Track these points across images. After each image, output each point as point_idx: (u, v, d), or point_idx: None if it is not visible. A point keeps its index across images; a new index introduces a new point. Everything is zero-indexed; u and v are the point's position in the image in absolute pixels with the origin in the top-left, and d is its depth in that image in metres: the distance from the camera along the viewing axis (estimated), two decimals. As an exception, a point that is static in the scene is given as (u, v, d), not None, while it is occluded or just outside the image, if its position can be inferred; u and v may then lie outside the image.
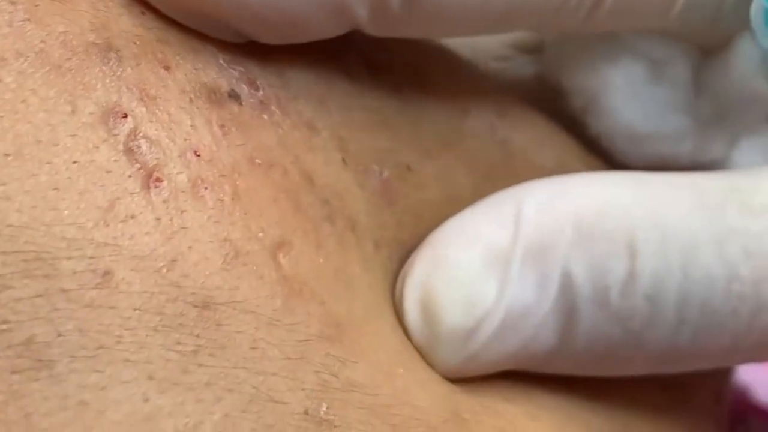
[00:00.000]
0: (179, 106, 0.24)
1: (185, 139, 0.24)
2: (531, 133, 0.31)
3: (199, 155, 0.24)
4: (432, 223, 0.27)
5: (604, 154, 0.31)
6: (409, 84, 0.29)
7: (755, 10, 0.27)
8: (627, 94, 0.30)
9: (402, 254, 0.27)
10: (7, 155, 0.22)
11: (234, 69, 0.25)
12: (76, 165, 0.22)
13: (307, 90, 0.27)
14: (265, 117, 0.25)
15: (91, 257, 0.21)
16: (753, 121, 0.29)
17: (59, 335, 0.21)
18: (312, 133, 0.26)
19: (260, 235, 0.24)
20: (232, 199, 0.24)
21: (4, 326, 0.20)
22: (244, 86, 0.25)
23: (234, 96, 0.25)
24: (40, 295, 0.21)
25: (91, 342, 0.21)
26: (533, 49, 0.33)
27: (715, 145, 0.30)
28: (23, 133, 0.22)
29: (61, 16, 0.23)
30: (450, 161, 0.29)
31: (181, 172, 0.23)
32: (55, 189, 0.22)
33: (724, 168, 0.30)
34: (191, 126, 0.24)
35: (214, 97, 0.25)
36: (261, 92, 0.26)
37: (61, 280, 0.21)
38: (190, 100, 0.24)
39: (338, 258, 0.25)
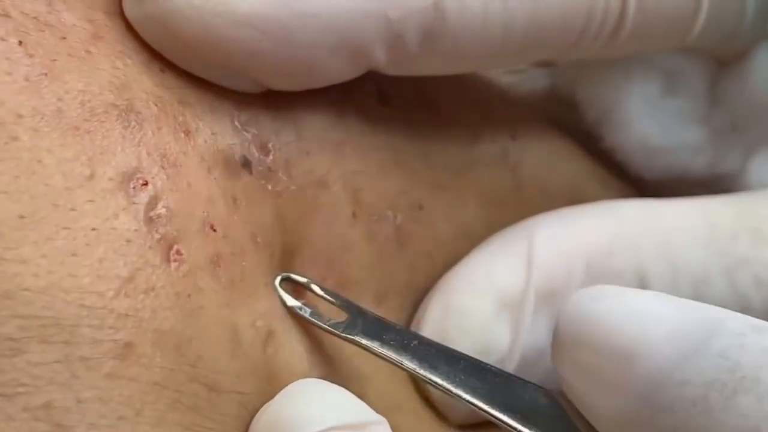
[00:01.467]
0: (198, 176, 0.23)
1: (203, 212, 0.23)
2: (543, 153, 0.30)
3: (215, 230, 0.23)
4: (445, 262, 0.27)
5: (618, 167, 0.31)
6: (421, 112, 0.28)
7: None
8: (642, 107, 0.29)
9: (415, 298, 0.27)
10: (22, 217, 0.20)
11: (248, 131, 0.25)
12: (95, 232, 0.21)
13: (323, 138, 0.26)
14: (269, 187, 0.25)
15: (111, 327, 0.20)
16: None
17: (79, 402, 0.20)
18: (320, 192, 0.25)
19: (258, 324, 0.23)
20: (241, 280, 0.23)
21: (21, 389, 0.20)
22: (255, 151, 0.25)
23: (246, 164, 0.24)
24: (58, 361, 0.20)
25: (111, 412, 0.20)
26: (547, 63, 0.33)
27: (730, 157, 0.30)
28: (39, 195, 0.21)
29: (79, 72, 0.22)
30: (461, 191, 0.28)
31: (200, 248, 0.22)
32: (74, 255, 0.20)
33: (741, 179, 0.29)
34: (208, 198, 0.23)
35: (229, 166, 0.24)
36: (271, 157, 0.25)
37: (80, 348, 0.20)
38: (208, 169, 0.23)
39: None
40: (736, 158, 0.30)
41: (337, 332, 0.24)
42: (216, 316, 0.22)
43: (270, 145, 0.25)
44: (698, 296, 0.25)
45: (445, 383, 0.23)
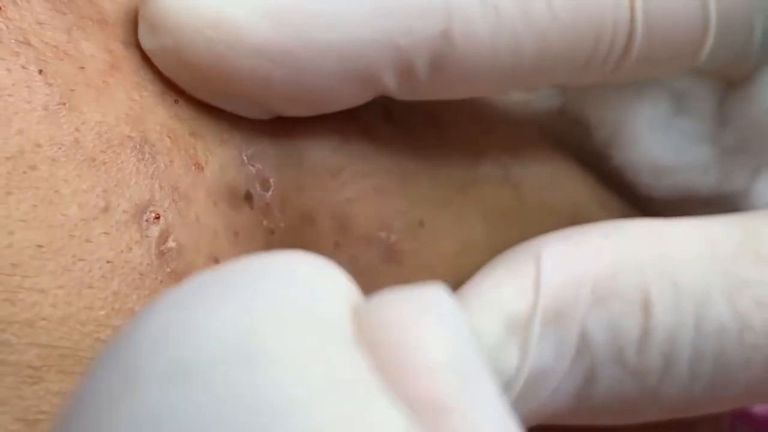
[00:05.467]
0: (207, 210, 0.23)
1: (210, 246, 0.23)
2: (545, 173, 0.31)
3: (218, 263, 0.23)
4: (447, 275, 0.27)
5: (627, 186, 0.31)
6: (426, 133, 0.29)
7: None
8: (651, 126, 0.30)
9: None
10: (40, 246, 0.21)
11: (253, 166, 0.25)
12: (110, 265, 0.21)
13: (323, 166, 0.26)
14: (264, 223, 0.25)
15: None
16: None
17: None
18: (306, 228, 0.26)
19: None
20: None
21: (42, 416, 0.20)
22: (257, 186, 0.25)
23: (248, 198, 0.25)
24: None
25: None
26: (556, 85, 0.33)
27: (737, 176, 0.30)
28: (56, 225, 0.21)
29: (96, 103, 0.22)
30: (463, 208, 0.29)
31: None
32: (90, 287, 0.21)
33: (747, 198, 0.30)
34: (214, 232, 0.23)
35: (234, 200, 0.24)
36: (270, 193, 0.25)
37: None
38: (215, 202, 0.24)
39: None
40: (742, 177, 0.30)
41: None
42: None
43: (271, 180, 0.25)
44: (699, 316, 0.25)
45: None
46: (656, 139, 0.30)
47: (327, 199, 0.26)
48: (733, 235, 0.26)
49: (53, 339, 0.20)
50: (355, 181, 0.27)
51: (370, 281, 0.25)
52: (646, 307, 0.25)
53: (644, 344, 0.25)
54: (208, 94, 0.24)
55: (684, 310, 0.25)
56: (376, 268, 0.27)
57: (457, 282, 0.27)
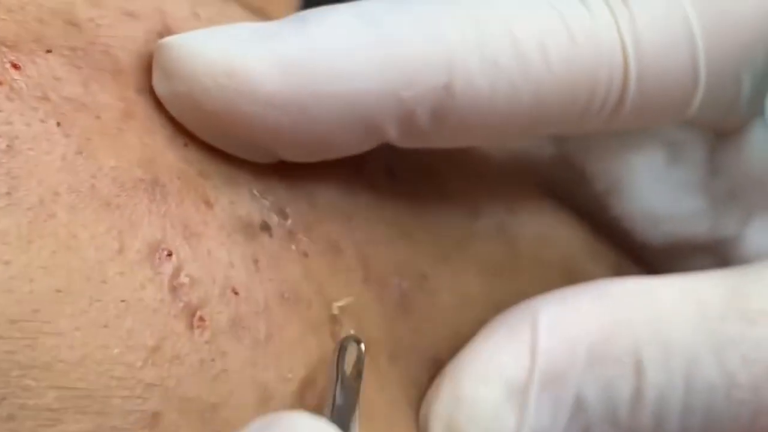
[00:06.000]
0: (219, 243, 0.25)
1: (225, 277, 0.24)
2: (539, 226, 0.32)
3: (237, 293, 0.25)
4: (446, 328, 0.29)
5: (623, 234, 0.32)
6: (425, 188, 0.30)
7: None
8: (648, 177, 0.31)
9: (420, 361, 0.28)
10: (59, 291, 0.22)
11: (266, 199, 0.26)
12: (124, 304, 0.23)
13: (334, 209, 0.28)
14: (293, 247, 0.26)
15: (139, 397, 0.22)
16: (765, 200, 0.31)
17: None
18: (336, 256, 0.27)
19: (289, 375, 0.25)
20: (266, 338, 0.25)
21: None
22: (274, 216, 0.26)
23: (265, 228, 0.26)
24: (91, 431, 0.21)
25: None
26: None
27: (729, 223, 0.31)
28: (74, 269, 0.22)
29: (111, 149, 0.24)
30: (462, 264, 0.30)
31: (221, 312, 0.24)
32: (105, 327, 0.22)
33: (739, 244, 0.31)
34: (229, 263, 0.25)
35: (249, 230, 0.26)
36: (290, 221, 0.27)
37: (112, 418, 0.22)
38: (228, 235, 0.25)
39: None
40: (734, 224, 0.31)
41: None
42: (241, 378, 0.24)
43: (287, 210, 0.27)
44: (689, 375, 0.26)
45: None
46: (653, 188, 0.31)
47: (346, 236, 0.27)
48: (720, 294, 0.27)
49: (70, 381, 0.21)
50: (366, 227, 0.28)
51: (391, 324, 0.27)
52: (638, 368, 0.26)
53: (637, 404, 0.26)
54: (217, 139, 0.26)
55: (674, 369, 0.26)
56: (394, 315, 0.28)
57: (457, 336, 0.28)
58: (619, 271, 0.32)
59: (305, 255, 0.26)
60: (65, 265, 0.22)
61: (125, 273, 0.23)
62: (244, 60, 0.25)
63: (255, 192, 0.26)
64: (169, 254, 0.24)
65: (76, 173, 0.23)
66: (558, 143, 0.32)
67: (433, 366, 0.28)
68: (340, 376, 0.25)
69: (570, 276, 0.31)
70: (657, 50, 0.27)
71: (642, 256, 0.33)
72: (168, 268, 0.24)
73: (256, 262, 0.25)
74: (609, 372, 0.26)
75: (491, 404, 0.26)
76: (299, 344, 0.25)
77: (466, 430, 0.26)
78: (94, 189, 0.23)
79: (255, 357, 0.24)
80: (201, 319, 0.24)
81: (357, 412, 0.25)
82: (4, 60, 0.23)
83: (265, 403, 0.24)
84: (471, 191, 0.30)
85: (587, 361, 0.26)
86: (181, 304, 0.23)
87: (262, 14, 0.29)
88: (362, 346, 0.25)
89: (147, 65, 0.26)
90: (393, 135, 0.26)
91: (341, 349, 0.25)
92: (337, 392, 0.25)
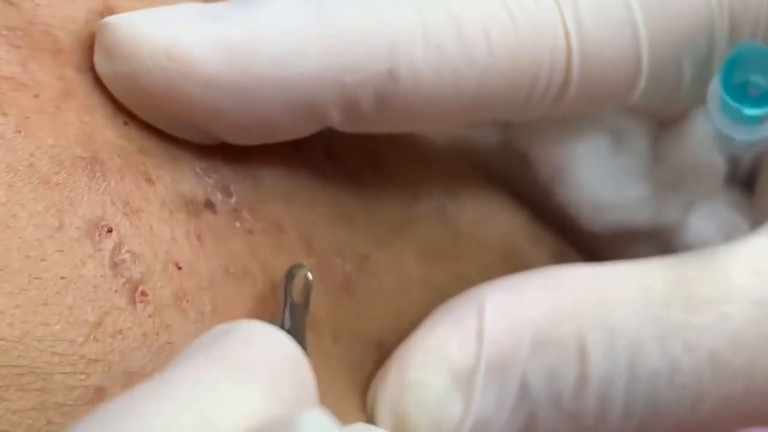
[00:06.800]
0: (160, 219, 0.25)
1: (167, 252, 0.25)
2: (478, 209, 0.32)
3: (180, 268, 0.25)
4: (388, 311, 0.29)
5: (567, 221, 0.32)
6: (365, 170, 0.30)
7: (711, 94, 0.28)
8: (592, 165, 0.31)
9: (363, 344, 0.28)
10: None
11: (209, 177, 0.26)
12: (64, 281, 0.23)
13: (277, 189, 0.28)
14: (238, 225, 0.26)
15: (82, 372, 0.22)
16: (707, 188, 0.31)
17: None
18: (280, 234, 0.27)
19: None
20: (212, 311, 0.25)
21: None
22: (218, 194, 0.26)
23: (209, 205, 0.26)
24: (34, 408, 0.21)
25: None
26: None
27: (672, 210, 0.31)
28: (13, 248, 0.22)
29: (49, 128, 0.24)
30: (402, 246, 0.30)
31: (164, 286, 0.24)
32: (45, 304, 0.22)
33: (681, 231, 0.32)
34: (172, 238, 0.25)
35: (192, 207, 0.26)
36: (234, 199, 0.27)
37: (55, 395, 0.22)
38: (170, 212, 0.25)
39: None
40: (676, 212, 0.31)
41: None
42: None
43: (231, 188, 0.27)
44: (633, 361, 0.26)
45: None
46: (597, 176, 0.31)
47: (288, 215, 0.28)
48: (664, 281, 0.27)
49: (11, 358, 0.21)
50: (308, 207, 0.28)
51: (335, 305, 0.27)
52: (582, 353, 0.26)
53: (581, 389, 0.27)
54: (158, 119, 0.26)
55: (618, 355, 0.26)
56: (338, 296, 0.28)
57: (398, 319, 0.29)
58: (560, 258, 0.32)
59: (250, 232, 0.27)
60: (3, 244, 0.22)
61: (65, 250, 0.23)
62: (186, 41, 0.25)
63: (198, 170, 0.26)
64: (110, 231, 0.24)
65: (14, 152, 0.23)
66: (503, 130, 0.33)
67: (376, 349, 0.28)
68: (288, 301, 0.25)
69: (510, 259, 0.31)
70: (600, 36, 0.27)
71: (585, 243, 0.33)
72: (108, 244, 0.24)
73: (199, 237, 0.25)
74: (554, 358, 0.27)
75: (438, 390, 0.27)
76: (246, 317, 0.25)
77: (413, 416, 0.27)
78: (33, 167, 0.23)
79: (201, 330, 0.24)
80: (143, 293, 0.24)
81: (305, 336, 0.25)
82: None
83: None
84: (411, 174, 0.31)
85: (532, 347, 0.27)
86: (123, 280, 0.24)
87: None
88: (309, 274, 0.26)
89: (87, 45, 0.26)
90: (336, 120, 0.26)
91: (289, 276, 0.26)
92: (285, 317, 0.25)
